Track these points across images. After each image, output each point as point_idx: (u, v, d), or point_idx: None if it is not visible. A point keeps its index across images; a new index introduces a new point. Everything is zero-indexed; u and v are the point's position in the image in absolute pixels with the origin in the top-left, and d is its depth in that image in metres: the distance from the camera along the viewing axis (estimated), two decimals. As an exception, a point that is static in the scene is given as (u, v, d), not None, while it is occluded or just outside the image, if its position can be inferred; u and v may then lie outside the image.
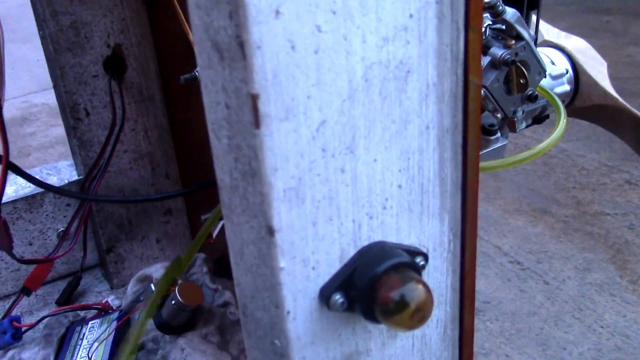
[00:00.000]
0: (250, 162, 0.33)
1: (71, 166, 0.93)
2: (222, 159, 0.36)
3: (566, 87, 0.78)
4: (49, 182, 0.89)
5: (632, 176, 2.44)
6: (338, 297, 0.36)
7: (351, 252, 0.36)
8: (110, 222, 0.86)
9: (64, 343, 0.76)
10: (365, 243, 0.37)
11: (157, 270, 0.81)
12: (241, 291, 0.41)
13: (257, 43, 0.30)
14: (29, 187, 0.89)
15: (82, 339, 0.74)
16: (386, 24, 0.33)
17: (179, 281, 0.74)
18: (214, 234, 0.80)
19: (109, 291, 0.90)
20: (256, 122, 0.31)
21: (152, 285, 0.75)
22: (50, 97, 4.73)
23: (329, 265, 0.36)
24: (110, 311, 0.79)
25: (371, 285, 0.35)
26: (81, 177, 0.86)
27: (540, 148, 0.61)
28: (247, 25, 0.29)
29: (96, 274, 0.94)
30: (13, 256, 0.78)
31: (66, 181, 0.89)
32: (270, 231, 0.33)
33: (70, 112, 0.80)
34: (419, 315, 0.34)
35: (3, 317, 0.84)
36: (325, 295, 0.36)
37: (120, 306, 0.81)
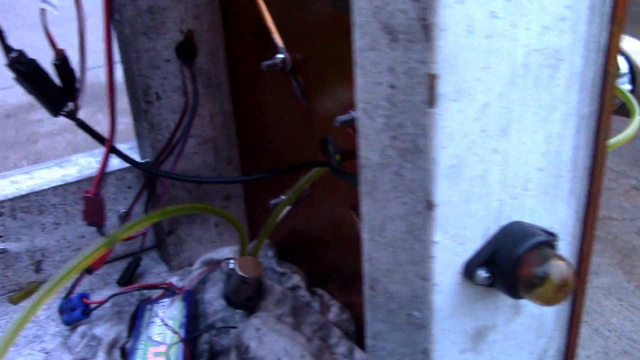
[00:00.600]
0: (416, 140, 0.34)
1: (131, 149, 0.94)
2: (373, 137, 0.37)
3: (628, 87, 0.80)
4: (111, 164, 0.91)
5: (639, 182, 2.47)
6: (482, 272, 0.38)
7: (493, 230, 0.38)
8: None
9: (135, 320, 0.77)
10: (505, 222, 0.38)
11: (224, 255, 0.83)
12: (373, 266, 0.42)
13: (441, 26, 0.31)
14: (92, 168, 0.91)
15: (154, 317, 0.75)
16: (548, 13, 0.35)
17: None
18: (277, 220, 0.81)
19: (167, 273, 0.92)
20: (431, 101, 0.33)
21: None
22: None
23: (474, 241, 0.38)
24: (176, 291, 0.81)
25: (515, 262, 0.37)
26: (147, 159, 0.87)
27: (614, 142, 0.63)
28: (436, 8, 0.31)
29: (153, 256, 0.95)
30: (102, 234, 0.79)
31: (126, 164, 0.90)
32: (429, 206, 0.35)
33: (143, 95, 0.81)
34: (564, 289, 0.36)
35: (67, 295, 0.85)
36: (469, 270, 0.38)
37: (183, 287, 0.83)
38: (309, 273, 0.80)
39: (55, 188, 0.87)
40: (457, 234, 0.37)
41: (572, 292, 0.37)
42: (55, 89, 0.72)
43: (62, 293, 0.88)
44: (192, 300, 0.78)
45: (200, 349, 0.73)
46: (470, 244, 0.38)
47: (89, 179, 0.89)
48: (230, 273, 0.76)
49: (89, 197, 0.75)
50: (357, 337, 0.73)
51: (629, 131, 0.65)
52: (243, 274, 0.72)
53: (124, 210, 0.91)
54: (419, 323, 0.39)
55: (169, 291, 0.82)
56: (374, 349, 0.46)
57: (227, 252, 0.83)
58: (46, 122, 4.23)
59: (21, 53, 0.69)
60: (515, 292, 0.38)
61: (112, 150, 0.75)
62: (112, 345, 0.74)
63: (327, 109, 0.67)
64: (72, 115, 0.73)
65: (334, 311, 0.74)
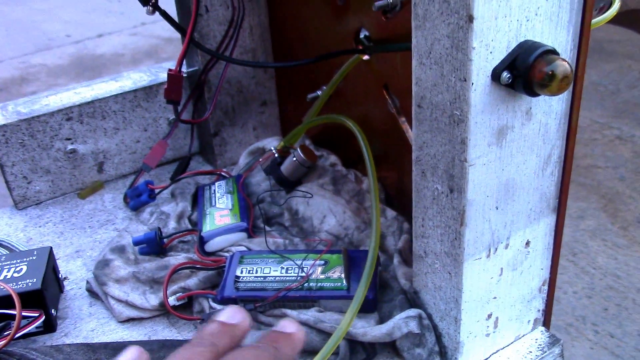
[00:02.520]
0: (459, -31, 0.48)
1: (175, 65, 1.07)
2: (423, -22, 0.51)
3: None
4: (160, 78, 1.04)
5: (622, 132, 2.63)
6: (505, 74, 0.52)
7: (513, 44, 0.52)
8: (218, 109, 1.01)
9: (197, 198, 0.91)
10: (522, 40, 0.52)
11: (269, 143, 0.96)
12: (421, 86, 0.56)
13: None
14: (146, 79, 1.03)
15: (214, 193, 0.89)
16: None
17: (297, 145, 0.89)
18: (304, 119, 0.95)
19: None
20: (472, -64, 0.46)
21: (272, 148, 0.90)
22: (47, 58, 4.79)
23: (500, 51, 0.51)
24: (227, 176, 0.94)
25: (529, 65, 0.51)
26: (195, 68, 0.99)
27: (595, 21, 0.77)
28: None
29: (198, 160, 1.08)
30: (176, 111, 0.92)
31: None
32: (470, 19, 0.49)
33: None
34: (566, 81, 0.50)
35: (130, 188, 0.98)
36: (496, 74, 0.52)
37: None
38: (341, 158, 0.94)
39: (115, 96, 0.99)
40: (488, 43, 0.50)
41: (570, 85, 0.51)
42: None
43: (125, 188, 1.01)
44: (241, 180, 0.91)
45: (256, 214, 0.86)
46: (497, 53, 0.51)
47: (142, 89, 1.01)
48: (278, 160, 0.89)
49: (173, 74, 0.88)
50: (386, 202, 0.86)
51: (609, 13, 0.79)
52: (304, 158, 0.85)
53: (173, 118, 1.04)
54: (458, 119, 0.53)
55: (221, 177, 0.95)
56: (419, 159, 0.60)
57: (269, 141, 0.97)
58: (39, 94, 4.32)
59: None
60: (530, 89, 0.52)
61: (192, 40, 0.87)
62: (180, 217, 0.87)
63: (360, 3, 0.80)
64: (156, 6, 0.85)
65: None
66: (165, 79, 1.02)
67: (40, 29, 5.32)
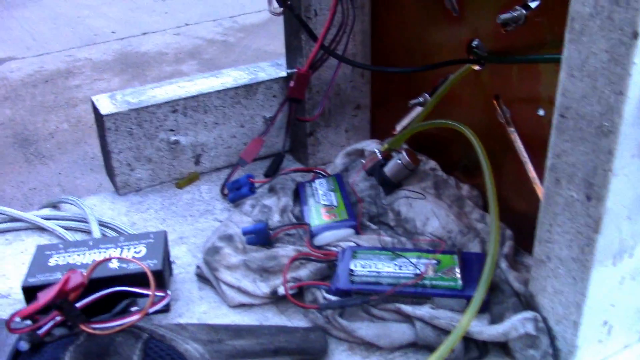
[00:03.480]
0: (629, -12, 0.51)
1: (272, 66, 1.11)
2: (584, -6, 0.54)
3: None
4: (259, 77, 1.08)
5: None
6: (658, 90, 0.54)
7: (666, 62, 0.54)
8: (315, 109, 1.04)
9: (298, 194, 0.94)
10: (674, 58, 0.55)
11: (367, 145, 0.99)
12: (567, 97, 0.59)
13: None
14: (246, 77, 1.07)
15: (315, 190, 0.92)
16: None
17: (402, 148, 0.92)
18: (398, 126, 0.98)
19: (305, 170, 1.08)
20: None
21: (376, 150, 0.93)
22: (92, 52, 4.89)
23: (654, 68, 0.54)
24: (325, 175, 0.98)
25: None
26: (292, 69, 1.03)
27: None
28: None
29: (289, 158, 1.12)
30: (294, 110, 0.95)
31: (274, 76, 1.07)
32: (635, 35, 0.51)
33: (304, 11, 0.97)
34: None
35: (225, 181, 1.02)
36: (649, 88, 0.54)
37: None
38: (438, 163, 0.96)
39: (218, 92, 1.03)
40: (646, 59, 0.53)
41: None
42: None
43: (219, 181, 1.05)
44: (342, 179, 0.94)
45: (360, 211, 0.89)
46: (652, 69, 0.54)
47: (243, 87, 1.05)
48: (381, 161, 0.92)
49: (302, 73, 0.91)
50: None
51: None
52: (409, 161, 0.88)
53: (270, 116, 1.07)
54: (607, 130, 0.56)
55: (319, 175, 0.98)
56: (555, 166, 0.63)
57: (367, 143, 1.00)
58: (84, 87, 4.39)
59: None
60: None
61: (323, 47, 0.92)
62: (283, 210, 0.91)
63: (477, 15, 0.83)
64: (291, 7, 0.88)
65: (466, 188, 0.90)
66: (264, 79, 1.07)
67: (86, 24, 5.42)
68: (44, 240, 0.93)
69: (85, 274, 0.71)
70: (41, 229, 0.95)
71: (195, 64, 4.69)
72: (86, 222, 0.94)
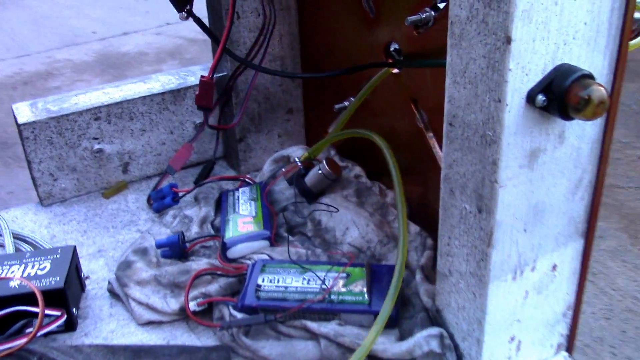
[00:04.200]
0: (500, -10, 0.48)
1: (203, 70, 1.08)
2: (462, -3, 0.51)
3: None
4: (188, 82, 1.04)
5: (645, 152, 2.60)
6: (540, 97, 0.51)
7: (550, 67, 0.51)
8: (245, 116, 1.01)
9: (221, 203, 0.91)
10: (558, 63, 0.52)
11: (293, 152, 0.96)
12: (453, 104, 0.56)
13: None
14: (174, 82, 1.04)
15: (237, 200, 0.89)
16: None
17: (323, 157, 0.89)
18: (330, 130, 0.95)
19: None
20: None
21: (297, 159, 0.90)
22: (72, 53, 4.84)
23: (536, 74, 0.51)
24: (251, 183, 0.95)
25: (565, 89, 0.50)
26: (224, 73, 1.00)
27: (633, 43, 0.76)
28: None
29: (222, 164, 1.09)
30: (206, 118, 0.93)
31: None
32: (508, 40, 0.48)
33: (225, 14, 0.94)
34: (602, 106, 0.50)
35: (154, 189, 0.99)
36: (531, 96, 0.51)
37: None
38: (365, 170, 0.93)
39: (143, 98, 1.00)
40: (525, 65, 0.50)
41: (606, 110, 0.50)
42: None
43: (148, 190, 1.01)
44: (264, 188, 0.91)
45: (280, 222, 0.86)
46: (533, 75, 0.51)
47: (170, 92, 1.02)
48: (302, 170, 0.89)
49: (205, 81, 0.88)
50: (410, 216, 0.86)
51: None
52: (329, 171, 0.85)
53: (199, 122, 1.04)
54: (491, 140, 0.53)
55: (245, 183, 0.95)
56: (448, 177, 0.60)
57: (293, 150, 0.97)
58: (64, 89, 4.34)
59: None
60: (565, 112, 0.51)
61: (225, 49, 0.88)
62: (203, 221, 0.88)
63: (392, 17, 0.80)
64: (191, 13, 0.85)
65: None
66: (193, 83, 1.03)
67: (67, 25, 5.38)
68: (-42, 256, 0.90)
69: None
70: (-43, 245, 0.91)
71: (177, 64, 4.65)
72: (1, 236, 0.91)
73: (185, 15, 0.85)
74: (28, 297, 0.72)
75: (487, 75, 0.51)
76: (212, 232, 0.86)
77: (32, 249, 0.88)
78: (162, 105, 1.02)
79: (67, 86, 4.39)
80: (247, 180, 0.96)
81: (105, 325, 0.77)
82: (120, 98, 0.99)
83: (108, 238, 0.92)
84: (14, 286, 0.73)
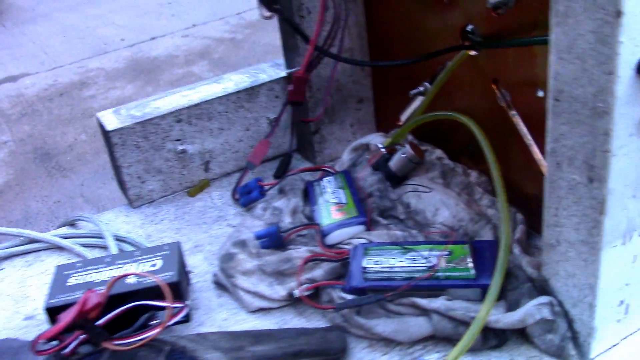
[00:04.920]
0: (610, -33, 0.50)
1: (272, 67, 1.11)
2: (568, -23, 0.53)
3: None
4: (260, 79, 1.08)
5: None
6: (650, 67, 0.53)
7: (658, 38, 0.54)
8: (318, 107, 1.04)
9: (307, 194, 0.95)
10: (665, 32, 0.54)
11: (372, 139, 0.99)
12: (559, 80, 0.58)
13: None
14: (247, 81, 1.07)
15: (324, 189, 0.92)
16: None
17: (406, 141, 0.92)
18: (402, 116, 0.98)
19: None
20: None
21: (379, 145, 0.93)
22: (104, 61, 4.93)
23: (645, 45, 0.53)
24: (333, 172, 0.98)
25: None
26: (295, 69, 1.03)
27: None
28: None
29: (297, 157, 1.12)
30: (297, 113, 0.96)
31: (274, 76, 1.07)
32: (618, 14, 0.51)
33: (297, 11, 0.97)
34: None
35: (236, 186, 1.03)
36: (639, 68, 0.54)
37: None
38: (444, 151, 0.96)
39: (220, 98, 1.04)
40: (635, 37, 0.52)
41: None
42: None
43: (230, 186, 1.05)
44: (350, 176, 0.95)
45: (369, 207, 0.89)
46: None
47: (245, 90, 1.06)
48: (386, 156, 0.92)
49: (299, 77, 0.92)
50: (494, 193, 0.88)
51: None
52: (414, 155, 0.88)
53: (274, 117, 1.08)
54: (602, 111, 0.55)
55: (326, 173, 0.99)
56: (554, 151, 0.62)
57: (371, 137, 1.00)
58: (99, 98, 4.44)
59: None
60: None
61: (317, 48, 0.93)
62: (294, 212, 0.91)
63: (467, 1, 0.82)
64: (279, 11, 0.89)
65: (474, 175, 0.90)
66: (265, 80, 1.07)
67: (95, 34, 5.47)
68: (63, 259, 0.95)
69: (102, 292, 0.72)
70: (60, 248, 0.97)
71: (206, 64, 4.71)
72: (103, 238, 0.95)
73: (270, 14, 0.88)
74: (145, 292, 0.76)
75: (596, 50, 0.54)
76: (305, 221, 0.89)
77: (133, 249, 0.92)
78: (237, 103, 1.06)
79: (102, 94, 4.48)
80: (328, 170, 0.99)
81: (217, 314, 0.81)
82: (199, 99, 1.03)
83: (202, 234, 0.96)
84: (132, 282, 0.78)
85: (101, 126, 1.02)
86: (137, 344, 0.69)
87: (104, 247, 0.95)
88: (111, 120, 1.01)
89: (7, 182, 3.70)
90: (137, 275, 0.77)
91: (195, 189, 1.06)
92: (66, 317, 0.67)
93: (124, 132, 0.99)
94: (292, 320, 0.78)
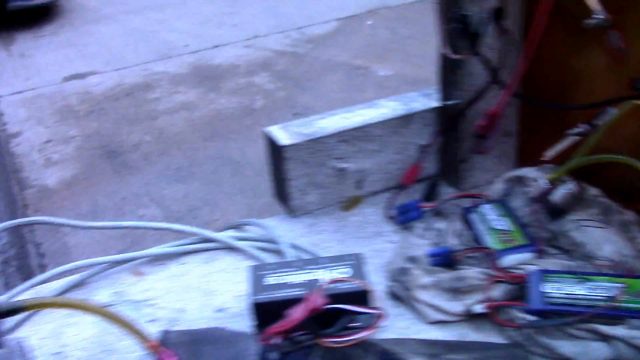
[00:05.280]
0: None
1: (422, 97, 1.19)
2: None
3: None
4: (414, 108, 1.16)
5: None
6: None
7: None
8: (470, 138, 1.12)
9: (466, 218, 1.02)
10: None
11: (527, 173, 1.07)
12: None
13: None
14: (401, 108, 1.16)
15: (485, 216, 1.00)
16: None
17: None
18: (548, 153, 1.05)
19: (455, 193, 1.16)
20: None
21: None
22: (168, 66, 5.09)
23: None
24: (489, 200, 1.05)
25: None
26: (449, 101, 1.11)
27: None
28: None
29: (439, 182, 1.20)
30: (481, 145, 1.04)
31: (427, 106, 1.16)
32: None
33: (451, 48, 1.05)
34: None
35: (390, 204, 1.11)
36: None
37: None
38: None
39: (381, 122, 1.13)
40: None
41: None
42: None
43: (381, 204, 1.13)
44: (508, 205, 1.02)
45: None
46: None
47: (400, 117, 1.14)
48: (546, 189, 0.99)
49: (495, 114, 1.00)
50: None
51: None
52: (577, 191, 0.95)
53: (426, 144, 1.16)
54: None
55: (481, 200, 1.06)
56: None
57: (527, 171, 1.07)
58: (163, 101, 4.58)
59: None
60: None
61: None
62: (458, 234, 0.99)
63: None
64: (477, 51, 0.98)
65: (630, 214, 0.97)
66: (417, 109, 1.15)
67: (160, 38, 5.64)
68: (237, 259, 1.04)
69: (323, 294, 0.80)
70: (232, 249, 1.05)
71: (267, 76, 4.83)
72: (272, 243, 1.04)
73: (467, 54, 0.97)
74: (342, 297, 0.84)
75: None
76: (471, 244, 0.97)
77: (307, 256, 1.00)
78: (394, 129, 1.14)
79: (166, 97, 4.62)
80: (482, 197, 1.07)
81: (397, 322, 0.89)
82: (362, 122, 1.12)
83: (363, 247, 1.04)
84: (334, 286, 0.85)
85: (271, 140, 1.11)
86: (349, 343, 0.77)
87: (274, 251, 1.03)
88: (282, 135, 1.10)
89: (75, 175, 3.84)
90: (344, 281, 0.85)
91: (349, 204, 1.14)
92: (296, 314, 0.75)
93: (295, 148, 1.08)
94: (471, 335, 0.86)
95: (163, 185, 3.68)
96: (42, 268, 2.94)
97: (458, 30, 0.99)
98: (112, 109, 4.49)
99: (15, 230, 2.41)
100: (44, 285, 1.00)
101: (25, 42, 5.83)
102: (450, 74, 1.11)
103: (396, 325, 0.88)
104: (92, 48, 5.52)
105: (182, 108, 4.40)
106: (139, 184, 3.67)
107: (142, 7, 6.33)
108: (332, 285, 0.84)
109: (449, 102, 1.12)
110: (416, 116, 1.15)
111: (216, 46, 5.39)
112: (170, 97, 4.57)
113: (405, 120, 1.15)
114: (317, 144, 1.09)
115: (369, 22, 5.51)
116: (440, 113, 1.15)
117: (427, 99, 1.18)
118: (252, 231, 1.10)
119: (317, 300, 0.76)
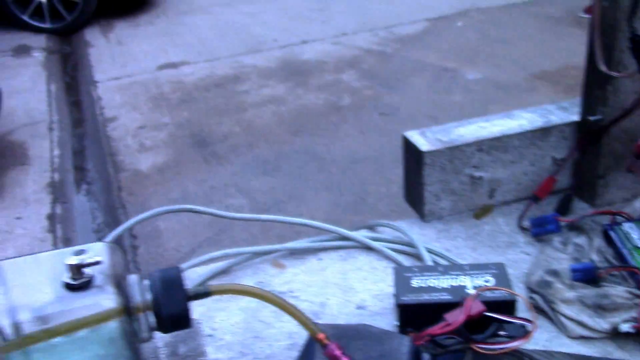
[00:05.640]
0: None
1: (559, 109, 1.19)
2: None
3: None
4: (552, 121, 1.16)
5: None
6: None
7: None
8: (611, 155, 1.11)
9: (607, 235, 1.02)
10: None
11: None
12: None
13: None
14: (539, 121, 1.16)
15: (628, 234, 1.00)
16: None
17: None
18: None
19: (589, 208, 1.15)
20: None
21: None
22: (257, 59, 5.19)
23: None
24: (629, 219, 1.05)
25: None
26: (592, 117, 1.11)
27: None
28: None
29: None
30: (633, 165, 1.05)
31: (565, 120, 1.16)
32: None
33: (616, 65, 1.04)
34: None
35: (522, 216, 1.12)
36: None
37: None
38: None
39: (519, 134, 1.13)
40: None
41: None
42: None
43: (513, 214, 1.14)
44: (653, 226, 1.01)
45: (678, 259, 0.96)
46: None
47: (539, 130, 1.15)
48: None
49: None
50: None
51: None
52: None
53: (562, 157, 1.16)
54: None
55: (622, 217, 1.06)
56: None
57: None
58: (252, 93, 4.68)
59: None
60: None
61: None
62: (600, 251, 0.99)
63: None
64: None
65: None
66: (555, 123, 1.15)
67: (249, 31, 5.77)
68: (372, 259, 1.07)
69: (479, 301, 0.82)
70: (368, 249, 1.09)
71: (355, 73, 4.87)
72: (408, 246, 1.07)
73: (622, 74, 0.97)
74: (494, 305, 0.86)
75: None
76: (612, 262, 0.97)
77: (440, 261, 1.03)
78: (531, 141, 1.15)
79: (255, 90, 4.73)
80: (623, 216, 1.06)
81: (539, 334, 0.90)
82: (500, 133, 1.13)
83: (498, 256, 1.06)
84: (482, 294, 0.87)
85: (410, 145, 1.14)
86: (501, 351, 0.79)
87: (410, 254, 1.06)
88: (420, 141, 1.13)
89: (166, 161, 3.99)
90: (492, 289, 0.87)
91: (481, 213, 1.16)
92: (456, 319, 0.78)
93: (435, 155, 1.10)
94: (615, 353, 0.86)
95: (250, 176, 3.76)
96: (134, 249, 3.08)
97: (629, 49, 0.99)
98: (203, 99, 4.63)
99: (111, 211, 2.53)
100: (192, 269, 1.06)
101: (122, 30, 6.07)
102: (597, 89, 1.11)
103: (538, 337, 0.90)
104: (185, 38, 5.70)
105: (270, 102, 4.49)
106: (227, 173, 3.78)
107: (233, 0, 6.49)
108: (481, 293, 0.86)
109: (593, 118, 1.12)
110: (555, 129, 1.16)
111: (305, 42, 5.45)
112: (258, 91, 4.67)
113: (544, 132, 1.15)
114: (456, 152, 1.11)
115: (459, 24, 5.45)
116: (581, 127, 1.15)
117: (565, 112, 1.18)
118: (385, 232, 1.13)
119: (476, 307, 0.79)
